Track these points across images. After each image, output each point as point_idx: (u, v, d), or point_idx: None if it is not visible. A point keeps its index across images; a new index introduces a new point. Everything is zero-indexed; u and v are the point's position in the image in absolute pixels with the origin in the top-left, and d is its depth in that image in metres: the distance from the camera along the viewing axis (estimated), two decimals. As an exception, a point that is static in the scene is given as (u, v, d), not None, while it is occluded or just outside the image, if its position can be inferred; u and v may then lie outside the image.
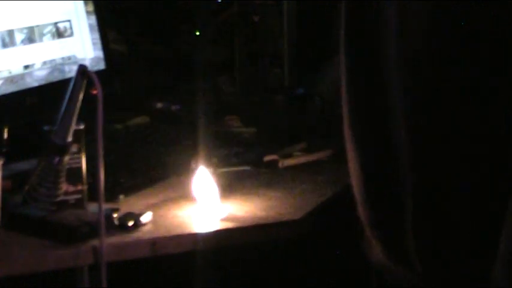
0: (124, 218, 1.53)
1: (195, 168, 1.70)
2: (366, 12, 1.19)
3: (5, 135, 1.80)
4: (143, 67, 2.45)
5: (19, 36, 1.89)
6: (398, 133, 1.15)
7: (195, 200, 1.61)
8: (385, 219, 1.20)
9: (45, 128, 1.50)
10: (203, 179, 1.63)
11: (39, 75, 1.93)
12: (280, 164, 1.87)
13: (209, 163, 1.77)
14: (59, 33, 2.00)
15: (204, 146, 1.81)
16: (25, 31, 1.90)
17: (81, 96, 1.47)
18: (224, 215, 1.58)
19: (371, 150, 1.21)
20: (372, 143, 1.20)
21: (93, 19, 2.08)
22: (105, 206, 1.48)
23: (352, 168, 1.24)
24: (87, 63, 2.01)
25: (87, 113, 1.48)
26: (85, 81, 1.46)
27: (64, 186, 1.52)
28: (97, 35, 2.09)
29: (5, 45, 1.85)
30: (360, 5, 1.21)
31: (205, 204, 1.60)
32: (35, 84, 1.92)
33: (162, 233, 1.52)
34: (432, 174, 1.13)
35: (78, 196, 1.56)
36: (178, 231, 1.53)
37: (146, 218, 1.54)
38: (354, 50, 1.22)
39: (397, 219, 1.17)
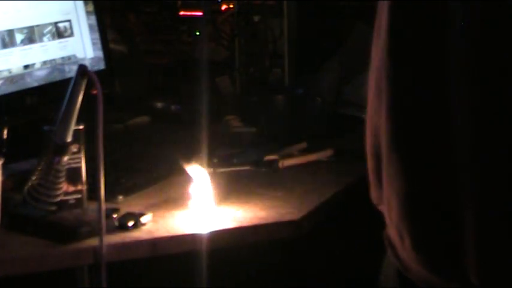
0: (124, 218, 1.53)
1: (188, 169, 1.70)
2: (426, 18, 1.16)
3: (5, 135, 1.80)
4: (143, 67, 2.45)
5: (19, 36, 1.89)
6: (461, 148, 1.12)
7: (193, 200, 1.61)
8: (438, 234, 1.17)
9: (45, 128, 1.50)
10: (199, 179, 1.63)
11: (39, 75, 1.93)
12: (280, 164, 1.87)
13: (209, 163, 1.77)
14: (59, 33, 2.00)
15: (203, 146, 1.81)
16: (25, 31, 1.90)
17: (81, 96, 1.47)
18: (224, 215, 1.59)
19: (423, 168, 1.17)
20: (425, 162, 1.17)
21: (93, 19, 2.08)
22: (105, 206, 1.48)
23: (394, 181, 1.20)
24: (87, 63, 2.01)
25: (87, 113, 1.48)
26: (85, 81, 1.46)
27: (64, 186, 1.52)
28: (97, 35, 2.09)
29: (5, 45, 1.85)
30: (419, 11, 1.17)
31: (204, 205, 1.60)
32: (35, 84, 1.92)
33: (162, 233, 1.52)
34: (498, 191, 1.12)
35: (78, 196, 1.57)
36: (178, 231, 1.53)
37: (146, 218, 1.54)
38: (407, 61, 1.18)
39: (454, 234, 1.15)
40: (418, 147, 1.17)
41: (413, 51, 1.17)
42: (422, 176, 1.17)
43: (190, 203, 1.61)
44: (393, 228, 1.23)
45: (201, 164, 1.70)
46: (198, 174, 1.64)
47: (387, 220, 1.27)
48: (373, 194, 1.32)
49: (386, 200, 1.23)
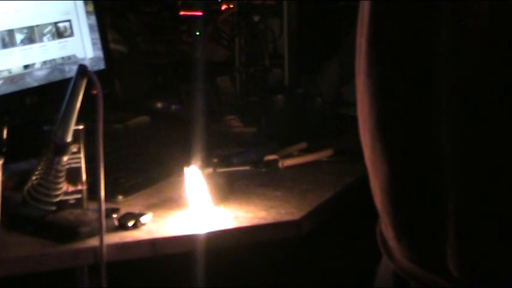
0: (124, 218, 1.53)
1: (187, 170, 1.70)
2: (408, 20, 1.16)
3: (5, 135, 1.80)
4: (143, 67, 2.45)
5: (19, 36, 1.89)
6: (443, 140, 1.12)
7: (191, 201, 1.61)
8: (419, 223, 1.18)
9: (45, 128, 1.50)
10: (196, 180, 1.63)
11: (39, 75, 1.93)
12: (280, 164, 1.87)
13: (209, 163, 1.77)
14: (59, 33, 2.00)
15: (203, 146, 1.81)
16: (25, 31, 1.90)
17: (81, 96, 1.47)
18: (224, 215, 1.58)
19: (407, 155, 1.17)
20: (408, 150, 1.17)
21: (93, 19, 2.08)
22: (105, 206, 1.48)
23: (378, 170, 1.21)
24: (87, 63, 2.01)
25: (87, 113, 1.48)
26: (85, 81, 1.46)
27: (64, 186, 1.52)
28: (97, 35, 2.09)
29: (5, 45, 1.85)
30: (400, 13, 1.18)
31: (203, 205, 1.60)
32: (35, 84, 1.92)
33: (161, 233, 1.52)
34: (480, 181, 1.12)
35: (78, 196, 1.57)
36: (178, 231, 1.53)
37: (146, 218, 1.54)
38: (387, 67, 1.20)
39: (436, 223, 1.15)
40: (401, 136, 1.17)
41: (394, 44, 1.20)
42: (405, 165, 1.17)
43: (190, 203, 1.61)
44: (390, 230, 1.23)
45: (200, 164, 1.70)
46: (195, 176, 1.63)
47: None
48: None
49: (372, 190, 1.24)
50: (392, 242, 1.21)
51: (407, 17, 1.16)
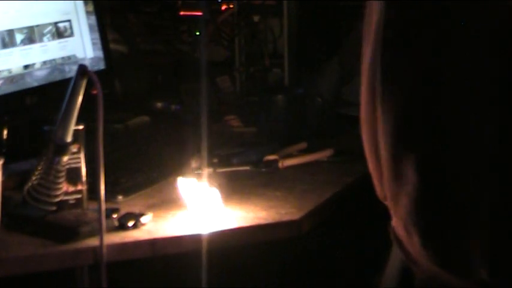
0: (124, 218, 1.53)
1: (197, 168, 1.71)
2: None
3: (5, 135, 1.80)
4: (143, 67, 2.45)
5: (19, 36, 1.89)
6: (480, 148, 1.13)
7: (192, 201, 1.61)
8: (450, 228, 1.17)
9: (45, 128, 1.50)
10: (195, 183, 1.63)
11: (39, 75, 1.93)
12: (280, 164, 1.87)
13: (209, 163, 1.77)
14: (59, 33, 2.00)
15: (203, 146, 1.81)
16: (25, 31, 1.90)
17: (81, 96, 1.47)
18: (224, 215, 1.58)
19: (439, 163, 1.17)
20: (438, 161, 1.16)
21: (93, 19, 2.08)
22: (105, 206, 1.48)
23: (405, 178, 1.20)
24: (87, 63, 2.01)
25: (87, 113, 1.48)
26: (85, 81, 1.46)
27: (64, 186, 1.52)
28: (97, 35, 2.09)
29: (5, 45, 1.85)
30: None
31: (203, 205, 1.60)
32: (35, 84, 1.92)
33: (161, 233, 1.52)
34: None
35: (78, 196, 1.57)
36: (178, 232, 1.53)
37: (146, 218, 1.54)
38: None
39: (467, 228, 1.15)
40: (431, 145, 1.17)
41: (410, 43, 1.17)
42: (437, 172, 1.17)
43: (190, 203, 1.61)
44: (400, 224, 1.23)
45: (200, 164, 1.70)
46: (189, 187, 1.63)
47: (392, 215, 1.27)
48: (378, 190, 1.33)
49: (393, 197, 1.23)
50: (415, 248, 1.21)
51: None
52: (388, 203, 1.28)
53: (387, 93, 1.21)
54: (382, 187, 1.28)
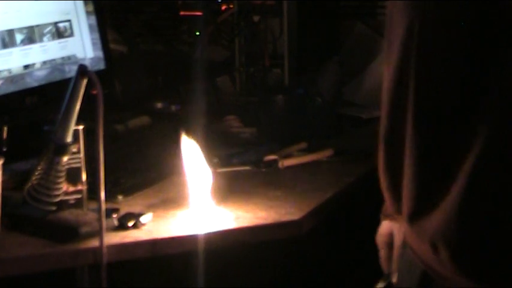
0: (124, 218, 1.53)
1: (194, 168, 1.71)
2: None
3: (5, 135, 1.80)
4: (143, 67, 2.45)
5: (19, 36, 1.89)
6: None
7: (193, 200, 1.61)
8: (487, 245, 1.18)
9: (45, 128, 1.50)
10: (201, 177, 1.63)
11: (39, 75, 1.93)
12: (280, 164, 1.87)
13: (209, 163, 1.77)
14: (59, 33, 2.00)
15: (203, 146, 1.81)
16: (25, 31, 1.90)
17: (81, 96, 1.47)
18: (224, 215, 1.59)
19: (483, 187, 1.17)
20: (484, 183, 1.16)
21: (93, 19, 2.08)
22: (105, 206, 1.48)
23: (440, 201, 1.20)
24: (87, 63, 2.01)
25: (87, 113, 1.48)
26: (85, 81, 1.46)
27: (64, 186, 1.52)
28: (97, 35, 2.09)
29: (5, 45, 1.85)
30: None
31: (204, 205, 1.60)
32: (35, 84, 1.92)
33: (161, 233, 1.52)
34: None
35: (78, 196, 1.56)
36: (178, 231, 1.53)
37: (146, 218, 1.54)
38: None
39: (503, 243, 1.16)
40: (483, 168, 1.16)
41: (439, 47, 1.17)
42: (480, 193, 1.17)
43: (190, 203, 1.61)
44: (424, 242, 1.22)
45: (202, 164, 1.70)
46: (199, 174, 1.64)
47: (407, 233, 1.27)
48: (391, 207, 1.32)
49: (413, 214, 1.23)
50: (441, 262, 1.20)
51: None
52: (402, 218, 1.28)
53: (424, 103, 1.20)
54: (397, 204, 1.28)
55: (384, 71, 1.35)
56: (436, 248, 1.20)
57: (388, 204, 1.33)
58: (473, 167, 1.15)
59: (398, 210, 1.29)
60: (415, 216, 1.24)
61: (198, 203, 1.61)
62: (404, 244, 1.34)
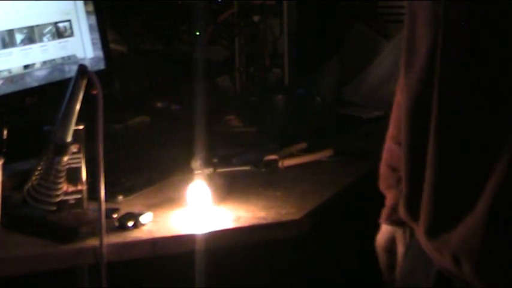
0: (124, 218, 1.53)
1: (195, 169, 1.71)
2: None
3: (5, 135, 1.80)
4: (143, 67, 2.45)
5: (19, 36, 1.89)
6: None
7: (194, 200, 1.61)
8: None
9: (45, 128, 1.50)
10: (200, 181, 1.63)
11: (39, 75, 1.93)
12: (280, 164, 1.87)
13: (209, 163, 1.77)
14: (59, 33, 2.00)
15: (203, 146, 1.81)
16: (25, 31, 1.90)
17: (81, 96, 1.47)
18: (224, 215, 1.59)
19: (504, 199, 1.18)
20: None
21: (93, 19, 2.08)
22: (105, 206, 1.48)
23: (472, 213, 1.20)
24: (87, 63, 2.01)
25: (87, 113, 1.48)
26: (85, 81, 1.46)
27: (64, 186, 1.52)
28: (97, 35, 2.09)
29: (5, 45, 1.85)
30: None
31: (204, 205, 1.60)
32: (35, 84, 1.92)
33: (162, 233, 1.52)
34: None
35: (78, 196, 1.57)
36: (178, 231, 1.53)
37: (146, 218, 1.54)
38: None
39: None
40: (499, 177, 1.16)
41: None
42: (507, 208, 1.16)
43: (190, 203, 1.61)
44: (443, 254, 1.22)
45: (201, 164, 1.70)
46: (199, 175, 1.64)
47: (424, 244, 1.27)
48: (405, 213, 1.32)
49: (434, 225, 1.23)
50: (463, 273, 1.20)
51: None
52: (415, 223, 1.27)
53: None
54: (414, 210, 1.28)
55: (400, 81, 1.33)
56: (458, 261, 1.20)
57: (405, 210, 1.32)
58: (500, 182, 1.14)
59: (415, 213, 1.28)
60: (435, 229, 1.23)
61: (198, 203, 1.61)
62: (410, 245, 1.34)
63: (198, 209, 1.60)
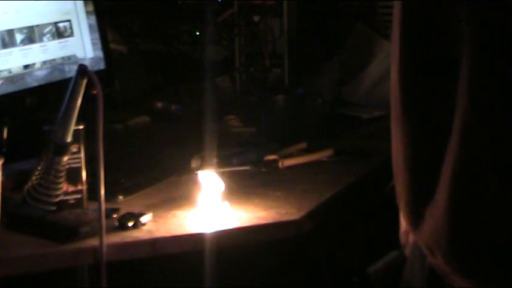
0: (124, 218, 1.53)
1: (197, 168, 1.71)
2: None
3: (5, 135, 1.80)
4: (143, 67, 2.45)
5: (19, 36, 1.89)
6: None
7: (194, 200, 1.61)
8: (477, 250, 1.18)
9: (45, 128, 1.50)
10: (206, 178, 1.63)
11: (39, 75, 1.93)
12: (280, 164, 1.87)
13: (212, 163, 1.77)
14: (59, 33, 2.00)
15: (204, 146, 1.81)
16: (25, 31, 1.90)
17: (81, 96, 1.47)
18: (224, 215, 1.58)
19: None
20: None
21: (93, 19, 2.08)
22: (105, 206, 1.48)
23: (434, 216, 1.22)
24: (87, 63, 2.01)
25: (87, 113, 1.48)
26: (85, 81, 1.46)
27: (64, 186, 1.52)
28: (97, 35, 2.09)
29: (5, 45, 1.85)
30: None
31: (205, 204, 1.60)
32: (35, 84, 1.92)
33: (162, 233, 1.52)
34: None
35: (78, 196, 1.57)
36: (178, 231, 1.53)
37: (146, 218, 1.54)
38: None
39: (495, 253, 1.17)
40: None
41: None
42: (463, 195, 1.17)
43: (190, 203, 1.61)
44: (423, 246, 1.23)
45: (203, 164, 1.70)
46: (202, 174, 1.63)
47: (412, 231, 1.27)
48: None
49: (417, 222, 1.24)
50: (440, 265, 1.21)
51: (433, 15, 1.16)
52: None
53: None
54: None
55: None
56: (432, 252, 1.21)
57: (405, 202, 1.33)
58: (453, 170, 1.15)
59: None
60: (413, 221, 1.24)
61: (199, 202, 1.61)
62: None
63: (198, 209, 1.60)
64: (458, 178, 1.16)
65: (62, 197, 1.52)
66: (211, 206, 1.60)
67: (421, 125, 1.21)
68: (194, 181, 1.65)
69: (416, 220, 1.23)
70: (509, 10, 1.10)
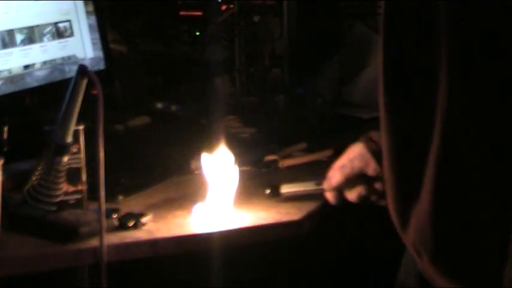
0: (124, 218, 1.53)
1: (195, 169, 1.71)
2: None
3: (5, 135, 1.80)
4: (143, 67, 2.45)
5: (19, 36, 1.89)
6: None
7: (195, 200, 1.61)
8: (460, 248, 1.19)
9: (45, 128, 1.50)
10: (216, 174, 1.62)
11: (39, 75, 1.93)
12: (280, 164, 1.87)
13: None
14: (59, 33, 2.00)
15: (204, 146, 1.81)
16: (25, 31, 1.90)
17: (81, 96, 1.47)
18: (224, 215, 1.58)
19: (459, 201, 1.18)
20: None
21: (93, 19, 2.08)
22: (105, 206, 1.48)
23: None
24: (87, 63, 2.01)
25: (87, 113, 1.48)
26: (85, 81, 1.46)
27: (64, 186, 1.52)
28: (97, 35, 2.09)
29: (5, 45, 1.85)
30: None
31: (205, 204, 1.60)
32: (35, 84, 1.92)
33: (162, 233, 1.52)
34: None
35: (78, 196, 1.56)
36: (179, 231, 1.53)
37: (146, 218, 1.54)
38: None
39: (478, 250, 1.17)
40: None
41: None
42: (445, 196, 1.17)
43: (191, 203, 1.61)
44: (410, 248, 1.23)
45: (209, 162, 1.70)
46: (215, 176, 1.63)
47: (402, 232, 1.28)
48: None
49: (404, 225, 1.24)
50: (425, 265, 1.21)
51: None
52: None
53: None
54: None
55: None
56: (419, 253, 1.21)
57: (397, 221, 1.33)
58: (435, 172, 1.16)
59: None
60: (401, 225, 1.25)
61: (203, 202, 1.61)
62: None
63: (198, 209, 1.59)
64: (440, 178, 1.16)
65: (62, 197, 1.52)
66: (212, 206, 1.60)
67: (404, 125, 1.22)
68: (199, 181, 1.64)
69: (403, 221, 1.24)
70: (483, 12, 1.11)
